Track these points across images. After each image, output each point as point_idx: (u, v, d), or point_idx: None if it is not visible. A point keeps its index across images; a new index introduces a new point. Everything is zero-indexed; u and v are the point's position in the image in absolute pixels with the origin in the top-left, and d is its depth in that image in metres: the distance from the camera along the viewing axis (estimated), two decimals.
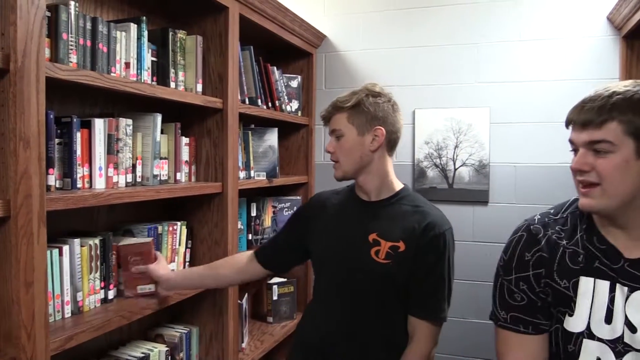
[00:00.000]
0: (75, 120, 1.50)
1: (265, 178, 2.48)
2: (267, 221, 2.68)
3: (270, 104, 2.56)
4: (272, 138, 2.55)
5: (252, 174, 2.44)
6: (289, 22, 2.55)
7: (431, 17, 2.81)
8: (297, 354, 1.67)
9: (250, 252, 1.78)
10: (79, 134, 1.52)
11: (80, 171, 1.53)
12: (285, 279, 2.80)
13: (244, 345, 2.36)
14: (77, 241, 1.53)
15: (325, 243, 1.62)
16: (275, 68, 2.64)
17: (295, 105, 2.87)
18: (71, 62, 1.46)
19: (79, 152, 1.52)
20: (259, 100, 2.42)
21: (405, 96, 2.81)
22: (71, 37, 1.46)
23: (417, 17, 2.83)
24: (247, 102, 2.33)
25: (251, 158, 2.44)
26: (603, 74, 2.55)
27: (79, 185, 1.52)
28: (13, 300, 1.21)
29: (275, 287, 2.73)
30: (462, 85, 2.76)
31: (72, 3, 1.46)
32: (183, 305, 2.06)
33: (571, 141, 1.11)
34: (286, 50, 2.84)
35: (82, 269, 1.54)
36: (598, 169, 1.05)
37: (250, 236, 2.58)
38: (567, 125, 1.13)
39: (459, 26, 2.77)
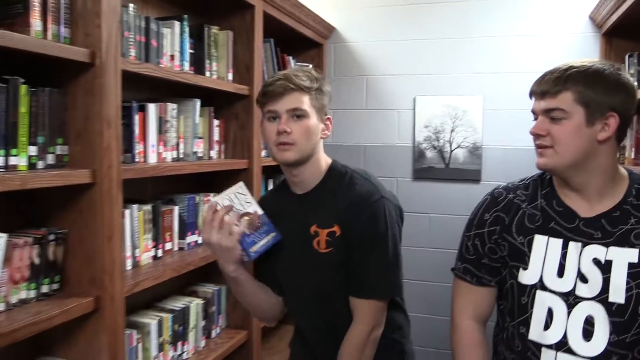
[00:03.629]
0: (135, 105, 1.78)
1: None
2: None
3: None
4: None
5: None
6: (304, 16, 2.82)
7: (431, 12, 3.08)
8: None
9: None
10: (137, 117, 1.80)
11: (138, 148, 1.81)
12: None
13: None
14: (135, 207, 1.81)
15: (277, 252, 1.50)
16: (290, 58, 2.91)
17: None
18: (130, 55, 1.73)
19: (137, 131, 1.80)
20: None
21: (407, 84, 3.11)
22: (130, 34, 1.73)
23: (418, 12, 3.10)
24: None
25: None
26: None
27: (137, 159, 1.80)
28: (98, 251, 1.50)
29: None
30: (458, 75, 3.05)
31: (131, 5, 1.73)
32: (212, 267, 2.35)
33: (533, 111, 1.27)
34: (300, 41, 3.11)
35: (140, 230, 1.83)
36: (553, 134, 1.20)
37: None
38: (530, 97, 1.28)
39: (455, 21, 3.04)
